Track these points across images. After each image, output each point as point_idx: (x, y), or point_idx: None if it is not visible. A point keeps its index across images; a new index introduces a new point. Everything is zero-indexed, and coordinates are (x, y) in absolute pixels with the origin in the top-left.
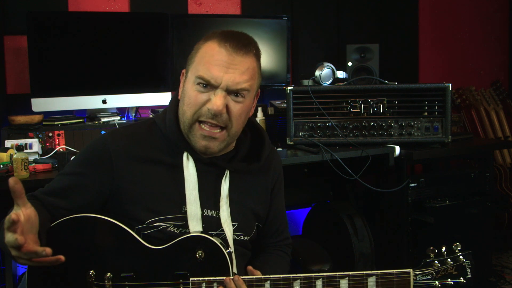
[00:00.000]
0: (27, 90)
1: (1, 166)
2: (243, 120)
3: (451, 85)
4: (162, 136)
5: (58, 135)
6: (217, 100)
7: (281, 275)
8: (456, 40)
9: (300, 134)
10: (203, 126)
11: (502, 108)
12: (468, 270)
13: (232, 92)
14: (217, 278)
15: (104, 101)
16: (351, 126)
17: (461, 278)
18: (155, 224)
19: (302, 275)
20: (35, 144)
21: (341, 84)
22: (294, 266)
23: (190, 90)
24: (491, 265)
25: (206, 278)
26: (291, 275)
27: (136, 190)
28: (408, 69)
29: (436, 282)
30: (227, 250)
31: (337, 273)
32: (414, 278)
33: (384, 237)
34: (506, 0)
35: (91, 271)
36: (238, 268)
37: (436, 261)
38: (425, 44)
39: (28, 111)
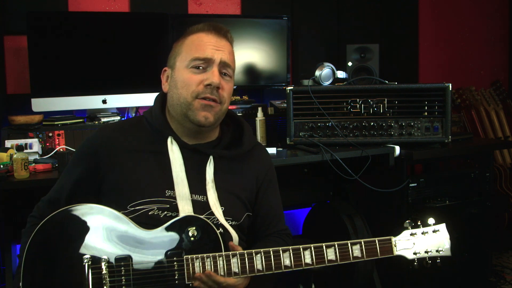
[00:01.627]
0: (27, 90)
1: (1, 166)
2: (229, 100)
3: (451, 85)
4: (149, 127)
5: (58, 135)
6: (215, 74)
7: (270, 248)
8: (456, 40)
9: (300, 134)
10: (202, 97)
11: (502, 108)
12: (445, 241)
13: (223, 69)
14: (211, 254)
15: (104, 101)
16: (351, 126)
17: (440, 248)
18: (138, 208)
19: (291, 247)
20: (35, 144)
21: (341, 84)
22: None
23: (183, 74)
24: (491, 265)
25: (199, 255)
26: (280, 248)
27: (121, 178)
28: (408, 69)
29: (415, 253)
30: (219, 230)
31: (324, 244)
32: (395, 246)
33: None
34: (506, 0)
35: (87, 256)
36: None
37: (414, 233)
38: (425, 44)
39: (28, 111)
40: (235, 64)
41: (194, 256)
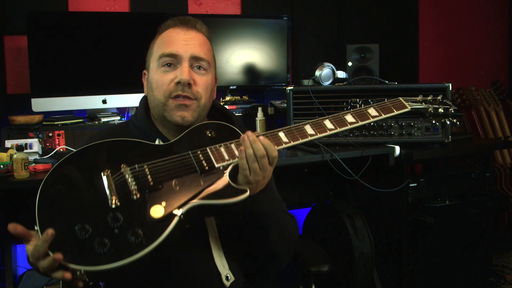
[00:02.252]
0: (27, 90)
1: (1, 166)
2: (209, 94)
3: (451, 85)
4: (136, 131)
5: (58, 135)
6: (184, 71)
7: (290, 126)
8: (456, 40)
9: None
10: (176, 99)
11: (502, 108)
12: (451, 105)
13: (195, 63)
14: (233, 140)
15: (104, 101)
16: None
17: (449, 108)
18: None
19: (309, 121)
20: (35, 144)
21: (341, 84)
22: (294, 266)
23: (155, 75)
24: (491, 265)
25: (222, 143)
26: (300, 124)
27: None
28: (408, 69)
29: (430, 108)
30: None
31: (340, 113)
32: (407, 101)
33: (384, 237)
34: (506, 0)
35: (107, 169)
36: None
37: (421, 99)
38: (425, 44)
39: (28, 111)
40: (211, 54)
41: (217, 144)
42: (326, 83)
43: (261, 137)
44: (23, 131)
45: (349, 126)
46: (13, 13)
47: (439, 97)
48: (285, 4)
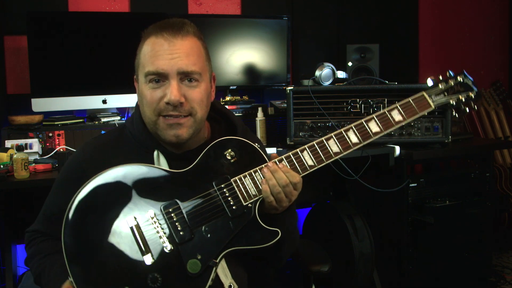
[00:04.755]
0: (27, 90)
1: (1, 166)
2: (206, 104)
3: None
4: (132, 139)
5: (58, 135)
6: (173, 90)
7: (312, 142)
8: (456, 40)
9: (300, 134)
10: (167, 118)
11: (502, 108)
12: (472, 85)
13: (185, 77)
14: (257, 168)
15: (104, 101)
16: None
17: (470, 92)
18: None
19: (333, 133)
20: (35, 144)
21: (341, 84)
22: (294, 266)
23: (144, 90)
24: (491, 265)
25: (246, 173)
26: (323, 138)
27: None
28: (408, 69)
29: (450, 100)
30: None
31: (362, 119)
32: (430, 97)
33: (384, 237)
34: (506, 0)
35: (130, 218)
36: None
37: (441, 84)
38: (425, 44)
39: (28, 111)
40: (203, 59)
41: (241, 175)
42: (326, 83)
43: (281, 165)
44: (23, 131)
45: (374, 138)
46: (13, 13)
47: (459, 78)
48: (285, 4)
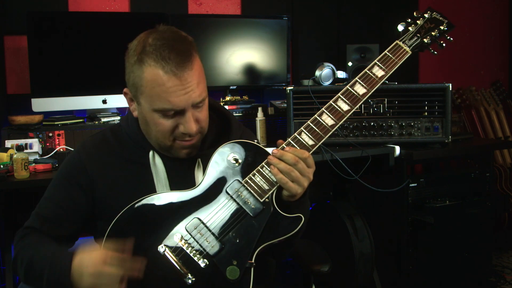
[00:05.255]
0: (27, 90)
1: (1, 166)
2: (208, 118)
3: (451, 85)
4: (128, 138)
5: (58, 135)
6: (190, 124)
7: (307, 122)
8: (456, 40)
9: None
10: (181, 140)
11: (502, 108)
12: (441, 17)
13: (196, 106)
14: (263, 163)
15: (104, 101)
16: (351, 126)
17: (440, 26)
18: None
19: (323, 108)
20: (35, 144)
21: (341, 84)
22: (294, 266)
23: (154, 118)
24: (491, 265)
25: (253, 171)
26: (315, 115)
27: (110, 194)
28: (408, 69)
29: (424, 39)
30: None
31: (346, 86)
32: (404, 43)
33: (384, 237)
34: (506, 0)
35: (160, 246)
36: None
37: (410, 27)
38: None
39: (28, 111)
40: (203, 75)
41: (250, 174)
42: (326, 83)
43: (286, 148)
44: (23, 131)
45: (363, 99)
46: (13, 13)
47: (426, 14)
48: (285, 4)
